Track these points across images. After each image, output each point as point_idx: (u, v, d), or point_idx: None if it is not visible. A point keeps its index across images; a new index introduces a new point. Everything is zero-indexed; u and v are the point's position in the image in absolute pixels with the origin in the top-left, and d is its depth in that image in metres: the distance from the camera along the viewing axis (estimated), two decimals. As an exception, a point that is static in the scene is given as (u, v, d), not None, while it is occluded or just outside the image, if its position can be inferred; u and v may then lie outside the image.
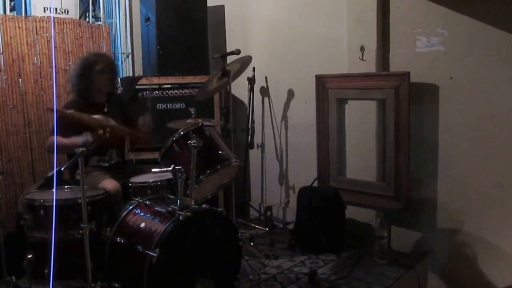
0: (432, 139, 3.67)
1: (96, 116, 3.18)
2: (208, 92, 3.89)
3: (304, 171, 4.36)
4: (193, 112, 3.40)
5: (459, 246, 3.62)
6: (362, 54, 3.88)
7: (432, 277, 3.76)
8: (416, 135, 3.68)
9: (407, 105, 3.58)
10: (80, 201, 2.72)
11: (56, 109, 3.46)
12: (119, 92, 3.88)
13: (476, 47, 3.45)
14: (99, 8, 5.14)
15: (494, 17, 3.35)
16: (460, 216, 3.60)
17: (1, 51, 4.00)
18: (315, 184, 4.07)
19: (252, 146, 4.54)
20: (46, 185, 3.32)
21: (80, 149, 2.66)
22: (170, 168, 2.95)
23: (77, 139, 3.22)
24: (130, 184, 3.32)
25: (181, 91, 4.43)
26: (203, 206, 2.99)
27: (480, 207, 3.51)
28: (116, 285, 2.77)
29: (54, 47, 4.30)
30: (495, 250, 3.46)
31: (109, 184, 3.26)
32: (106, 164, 3.52)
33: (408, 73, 3.56)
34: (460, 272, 3.63)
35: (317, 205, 3.81)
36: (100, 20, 5.09)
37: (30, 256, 2.87)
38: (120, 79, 4.21)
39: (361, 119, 3.96)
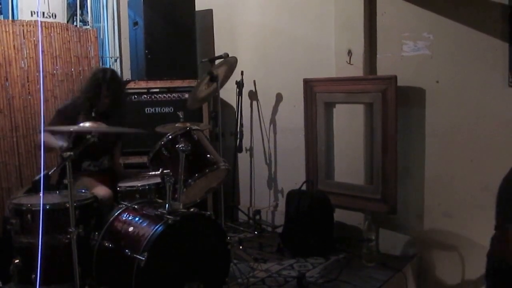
0: (418, 142, 3.70)
1: (86, 124, 3.17)
2: (199, 99, 3.89)
3: (293, 175, 4.36)
4: (181, 116, 3.41)
5: (446, 249, 3.65)
6: (350, 58, 3.90)
7: (419, 280, 3.78)
8: (403, 138, 3.71)
9: (394, 109, 3.61)
10: (67, 205, 2.71)
11: (43, 118, 3.43)
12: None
13: (462, 51, 3.49)
14: (87, 12, 5.13)
15: (480, 22, 3.39)
16: (447, 218, 3.63)
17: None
18: (304, 188, 4.07)
19: (240, 150, 4.53)
20: (33, 189, 3.29)
21: (68, 153, 2.65)
22: (158, 172, 2.95)
23: (55, 142, 3.21)
24: (118, 189, 3.30)
25: (170, 95, 4.43)
26: (192, 210, 2.99)
27: (467, 210, 3.54)
28: (104, 289, 2.77)
29: (42, 51, 4.28)
30: (482, 252, 3.47)
31: (102, 191, 3.24)
32: (97, 169, 3.51)
33: (395, 77, 3.59)
34: (448, 274, 3.65)
35: (305, 208, 3.82)
36: (88, 24, 5.08)
37: (17, 261, 2.84)
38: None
39: (348, 122, 3.98)
